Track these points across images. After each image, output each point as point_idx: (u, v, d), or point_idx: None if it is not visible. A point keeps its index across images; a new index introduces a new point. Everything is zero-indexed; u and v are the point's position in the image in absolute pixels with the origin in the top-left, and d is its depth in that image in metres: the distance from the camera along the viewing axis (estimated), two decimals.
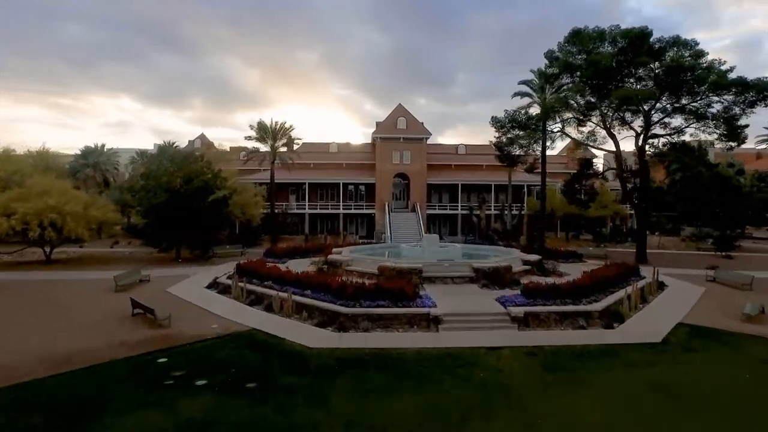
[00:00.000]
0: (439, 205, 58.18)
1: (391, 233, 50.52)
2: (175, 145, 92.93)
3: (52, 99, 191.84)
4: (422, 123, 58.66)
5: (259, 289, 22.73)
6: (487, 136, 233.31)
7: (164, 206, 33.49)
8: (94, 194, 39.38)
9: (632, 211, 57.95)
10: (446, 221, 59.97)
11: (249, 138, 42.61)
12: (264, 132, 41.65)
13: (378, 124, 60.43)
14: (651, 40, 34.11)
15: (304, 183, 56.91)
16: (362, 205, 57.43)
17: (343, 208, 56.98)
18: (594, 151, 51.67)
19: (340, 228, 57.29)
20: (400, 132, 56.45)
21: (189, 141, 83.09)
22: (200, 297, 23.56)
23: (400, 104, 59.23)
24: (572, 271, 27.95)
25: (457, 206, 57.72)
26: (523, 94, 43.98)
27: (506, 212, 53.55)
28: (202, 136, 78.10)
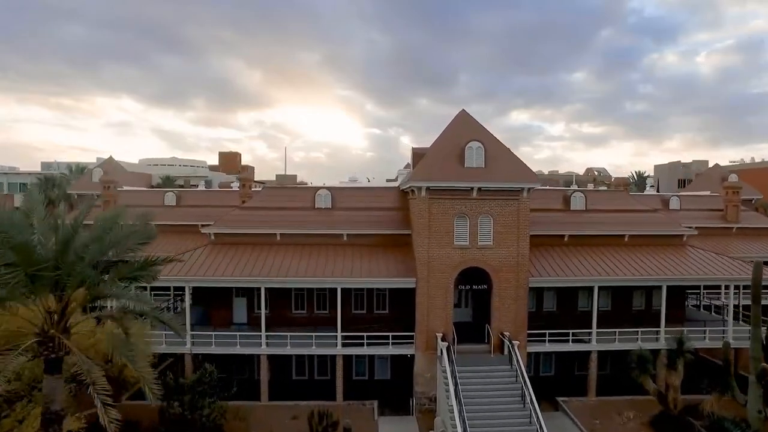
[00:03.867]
0: (552, 335, 26.77)
1: (462, 424, 19.58)
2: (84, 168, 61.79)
3: (53, 100, 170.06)
4: (508, 148, 27.53)
5: None
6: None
7: None
8: None
9: None
10: (560, 363, 29.10)
11: None
12: None
13: (416, 155, 29.17)
14: None
15: (258, 287, 25.98)
16: (387, 337, 26.08)
17: (343, 344, 25.81)
18: None
19: (337, 392, 26.01)
20: (471, 176, 25.21)
21: (87, 169, 52.07)
22: None
23: (464, 111, 28.19)
24: None
25: (590, 333, 26.69)
26: None
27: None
28: (106, 163, 47.05)
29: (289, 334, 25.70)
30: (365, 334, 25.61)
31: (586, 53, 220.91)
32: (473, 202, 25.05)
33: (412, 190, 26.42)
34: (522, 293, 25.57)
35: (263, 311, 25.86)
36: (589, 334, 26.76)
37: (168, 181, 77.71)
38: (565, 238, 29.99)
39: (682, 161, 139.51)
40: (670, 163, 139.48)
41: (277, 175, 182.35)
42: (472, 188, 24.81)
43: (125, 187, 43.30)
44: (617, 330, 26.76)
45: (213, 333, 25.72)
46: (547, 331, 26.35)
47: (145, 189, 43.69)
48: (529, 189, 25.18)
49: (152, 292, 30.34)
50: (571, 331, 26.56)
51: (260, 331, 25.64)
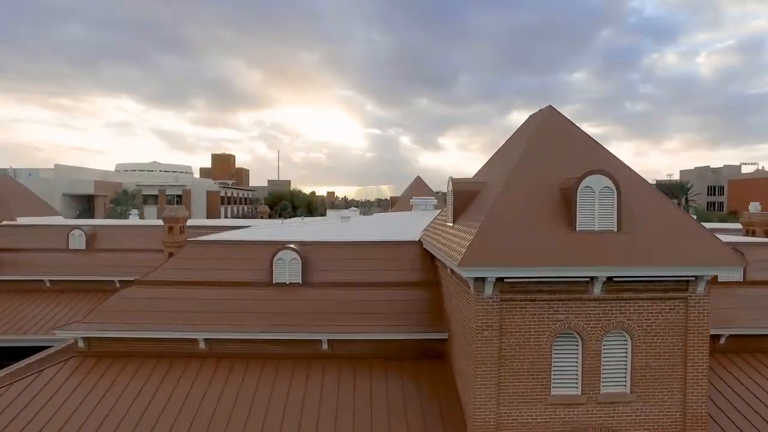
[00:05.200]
0: None
1: None
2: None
3: (53, 100, 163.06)
4: (657, 189, 14.36)
5: None
6: (491, 138, 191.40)
7: None
8: None
9: None
10: None
11: None
12: None
13: (460, 193, 15.67)
14: None
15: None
16: None
17: None
18: None
19: None
20: (590, 253, 11.95)
21: None
22: None
23: (551, 109, 15.01)
24: None
25: None
26: None
27: None
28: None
29: None
30: None
31: (586, 53, 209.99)
32: (592, 306, 11.76)
33: (460, 276, 13.15)
34: None
35: None
36: None
37: (126, 196, 64.43)
38: (721, 341, 16.72)
39: (711, 166, 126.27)
40: (696, 168, 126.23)
41: (269, 181, 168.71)
42: (593, 279, 11.52)
43: (19, 220, 30.24)
44: None
45: None
46: None
47: (43, 223, 30.58)
48: (708, 279, 11.91)
49: None
50: None
51: None
